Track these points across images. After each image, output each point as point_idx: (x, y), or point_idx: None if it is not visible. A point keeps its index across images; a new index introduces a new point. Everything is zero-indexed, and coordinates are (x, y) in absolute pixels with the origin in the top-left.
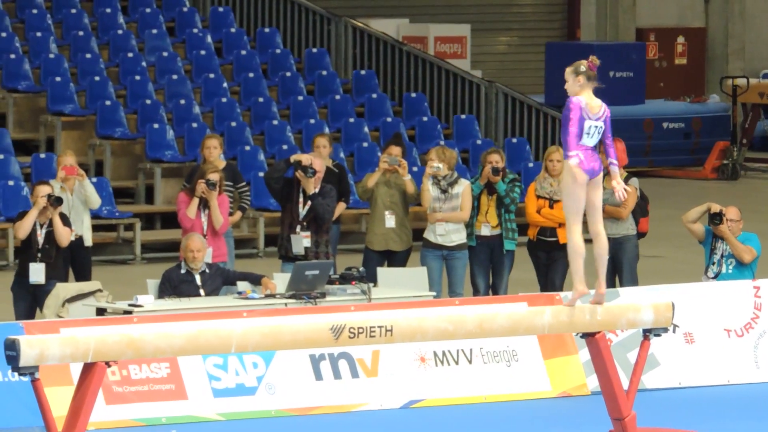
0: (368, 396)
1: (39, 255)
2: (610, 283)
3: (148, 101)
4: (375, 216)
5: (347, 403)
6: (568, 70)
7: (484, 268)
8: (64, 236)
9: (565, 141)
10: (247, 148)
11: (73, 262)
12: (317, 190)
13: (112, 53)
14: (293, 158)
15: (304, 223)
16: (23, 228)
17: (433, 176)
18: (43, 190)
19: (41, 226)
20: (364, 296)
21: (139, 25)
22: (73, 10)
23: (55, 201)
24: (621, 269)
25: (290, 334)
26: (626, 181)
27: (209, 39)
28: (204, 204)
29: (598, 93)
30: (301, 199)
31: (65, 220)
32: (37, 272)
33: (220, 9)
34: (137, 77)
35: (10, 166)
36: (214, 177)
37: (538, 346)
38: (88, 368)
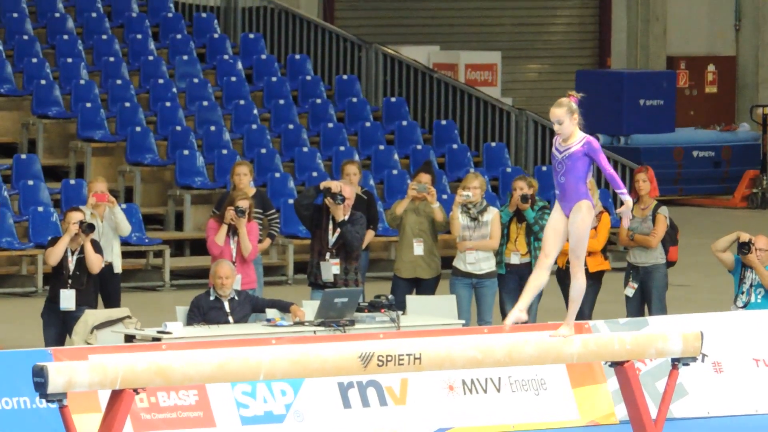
0: (397, 424)
1: (70, 281)
2: (639, 312)
3: (178, 128)
4: (403, 243)
5: (375, 431)
6: (561, 112)
7: (513, 296)
8: (96, 263)
9: (616, 179)
10: (277, 175)
11: (102, 288)
12: (347, 217)
13: (143, 79)
14: (323, 185)
15: (334, 251)
16: (55, 254)
17: (463, 204)
18: (76, 216)
19: (72, 252)
20: (392, 324)
21: (169, 52)
22: (104, 37)
23: (88, 228)
24: (650, 298)
25: (319, 362)
26: (656, 209)
27: (240, 65)
28: (233, 231)
29: (630, 119)
30: (330, 227)
31: (97, 247)
32: (68, 299)
33: (251, 36)
34: (167, 104)
35: (40, 192)
36: (243, 204)
37: (566, 375)
38: (116, 395)
